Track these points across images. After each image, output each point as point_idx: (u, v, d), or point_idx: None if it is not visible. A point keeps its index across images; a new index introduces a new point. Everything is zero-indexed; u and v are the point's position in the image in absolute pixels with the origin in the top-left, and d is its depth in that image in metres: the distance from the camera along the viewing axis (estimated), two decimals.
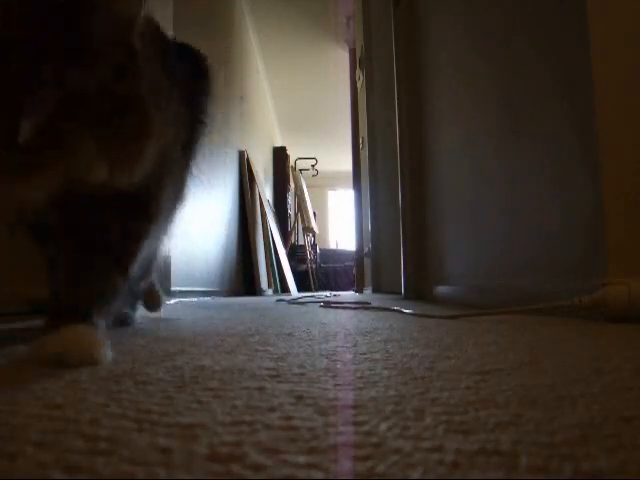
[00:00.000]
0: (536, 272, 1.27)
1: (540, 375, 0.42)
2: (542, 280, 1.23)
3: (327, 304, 1.76)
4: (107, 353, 0.48)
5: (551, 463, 0.22)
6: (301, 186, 6.86)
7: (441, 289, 2.04)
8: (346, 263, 6.87)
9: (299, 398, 0.34)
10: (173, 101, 0.54)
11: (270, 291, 4.51)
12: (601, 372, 0.43)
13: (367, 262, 4.16)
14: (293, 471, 0.21)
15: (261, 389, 0.38)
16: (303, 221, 6.56)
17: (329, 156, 8.39)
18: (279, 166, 6.97)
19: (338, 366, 0.48)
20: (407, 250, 2.49)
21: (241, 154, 4.54)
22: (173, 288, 2.18)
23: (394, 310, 1.33)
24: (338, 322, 1.03)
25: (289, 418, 0.29)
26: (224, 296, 3.43)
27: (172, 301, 2.13)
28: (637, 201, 0.99)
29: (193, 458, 0.23)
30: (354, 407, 0.32)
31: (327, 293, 4.02)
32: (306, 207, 6.70)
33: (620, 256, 0.98)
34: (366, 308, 1.51)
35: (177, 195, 0.71)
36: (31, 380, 0.40)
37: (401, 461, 0.22)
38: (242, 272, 4.23)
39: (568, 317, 1.03)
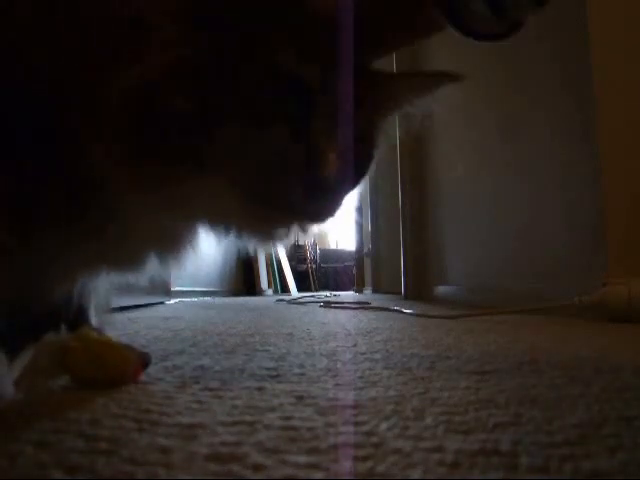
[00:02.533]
0: (536, 272, 1.27)
1: (540, 375, 0.42)
2: (542, 280, 1.23)
3: (327, 304, 1.76)
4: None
5: (551, 463, 0.22)
6: None
7: (441, 289, 2.04)
8: (346, 263, 6.87)
9: (299, 398, 0.34)
10: None
11: (270, 291, 4.50)
12: (601, 372, 0.43)
13: (367, 262, 4.16)
14: (293, 471, 0.21)
15: (261, 389, 0.38)
16: None
17: None
18: None
19: (338, 366, 0.48)
20: (407, 250, 2.49)
21: None
22: (173, 288, 2.18)
23: (394, 310, 1.33)
24: (338, 322, 1.03)
25: (289, 418, 0.29)
26: (224, 296, 3.43)
27: (172, 301, 2.13)
28: (637, 201, 0.99)
29: (193, 458, 0.23)
30: (354, 407, 0.32)
31: (327, 293, 4.02)
32: None
33: (620, 256, 0.98)
34: (366, 308, 1.51)
35: None
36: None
37: (401, 461, 0.22)
38: (242, 272, 4.22)
39: (568, 317, 1.04)
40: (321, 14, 0.34)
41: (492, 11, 0.41)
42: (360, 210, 4.59)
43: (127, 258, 0.39)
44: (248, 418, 0.29)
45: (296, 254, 6.39)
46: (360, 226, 4.62)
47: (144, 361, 0.42)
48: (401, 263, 2.51)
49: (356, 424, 0.28)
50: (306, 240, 6.68)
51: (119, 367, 0.39)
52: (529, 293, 1.23)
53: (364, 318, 1.12)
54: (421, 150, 2.42)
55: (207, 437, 0.26)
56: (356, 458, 0.23)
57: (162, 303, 1.96)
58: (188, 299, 2.49)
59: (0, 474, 0.21)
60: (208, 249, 0.45)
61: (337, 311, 1.45)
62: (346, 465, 0.22)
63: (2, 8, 0.33)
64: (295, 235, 0.42)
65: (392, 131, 0.46)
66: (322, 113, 0.34)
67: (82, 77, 0.33)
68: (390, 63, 2.67)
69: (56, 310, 0.43)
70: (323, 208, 0.37)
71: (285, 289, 4.83)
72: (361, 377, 0.42)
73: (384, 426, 0.28)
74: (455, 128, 1.96)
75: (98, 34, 0.33)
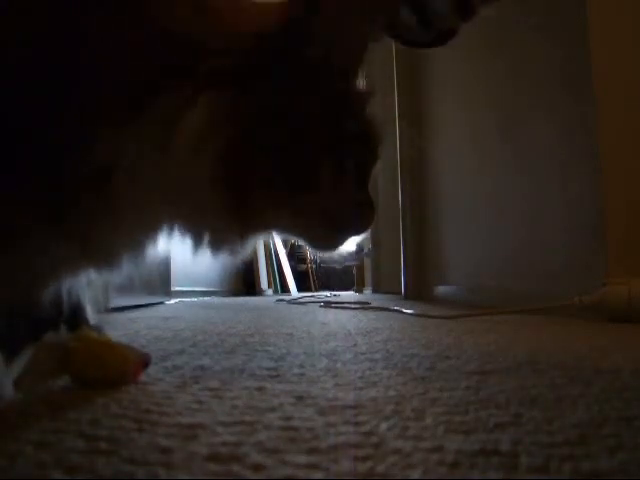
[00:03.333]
0: (536, 272, 1.27)
1: (540, 375, 0.42)
2: (542, 280, 1.23)
3: (327, 304, 1.76)
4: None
5: (551, 463, 0.22)
6: None
7: (441, 289, 2.04)
8: (346, 263, 6.87)
9: (299, 398, 0.34)
10: None
11: (270, 291, 4.50)
12: (601, 372, 0.43)
13: (367, 262, 4.16)
14: (293, 471, 0.21)
15: (261, 389, 0.38)
16: None
17: None
18: None
19: (338, 366, 0.48)
20: (407, 250, 2.49)
21: None
22: (173, 288, 2.18)
23: (394, 310, 1.33)
24: (338, 322, 1.03)
25: (289, 418, 0.29)
26: (224, 296, 3.43)
27: (172, 301, 2.13)
28: (637, 201, 0.99)
29: (193, 458, 0.23)
30: (354, 407, 0.32)
31: (327, 293, 4.01)
32: None
33: (620, 256, 0.98)
34: (366, 308, 1.50)
35: None
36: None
37: (401, 461, 0.22)
38: (242, 272, 4.23)
39: (568, 317, 1.03)
40: None
41: (420, 25, 0.49)
42: None
43: (105, 259, 0.39)
44: (248, 418, 0.29)
45: (296, 254, 6.39)
46: None
47: (144, 361, 0.41)
48: (401, 263, 2.51)
49: (356, 424, 0.28)
50: None
51: (119, 367, 0.39)
52: (529, 293, 1.23)
53: (364, 318, 1.12)
54: (421, 150, 2.42)
55: (207, 437, 0.26)
56: (356, 458, 0.23)
57: (162, 303, 1.96)
58: (188, 299, 2.49)
59: (0, 474, 0.21)
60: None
61: (337, 311, 1.45)
62: (346, 465, 0.22)
63: None
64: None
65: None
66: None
67: None
68: (390, 62, 2.67)
69: (55, 310, 0.43)
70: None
71: (285, 289, 4.83)
72: (361, 377, 0.42)
73: (384, 426, 0.28)
74: (455, 128, 1.95)
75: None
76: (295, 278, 5.36)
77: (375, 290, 3.69)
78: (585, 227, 1.07)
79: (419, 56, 2.44)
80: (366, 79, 0.42)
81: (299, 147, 0.37)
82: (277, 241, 4.94)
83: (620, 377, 0.41)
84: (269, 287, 4.51)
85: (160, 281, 1.95)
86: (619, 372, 0.43)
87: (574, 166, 1.11)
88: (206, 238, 0.39)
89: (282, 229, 0.42)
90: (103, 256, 0.38)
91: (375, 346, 0.62)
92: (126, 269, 0.39)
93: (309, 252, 6.48)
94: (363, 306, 1.55)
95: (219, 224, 0.38)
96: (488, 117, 1.59)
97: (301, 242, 0.44)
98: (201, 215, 0.38)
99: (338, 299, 2.38)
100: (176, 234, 0.39)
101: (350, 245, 0.48)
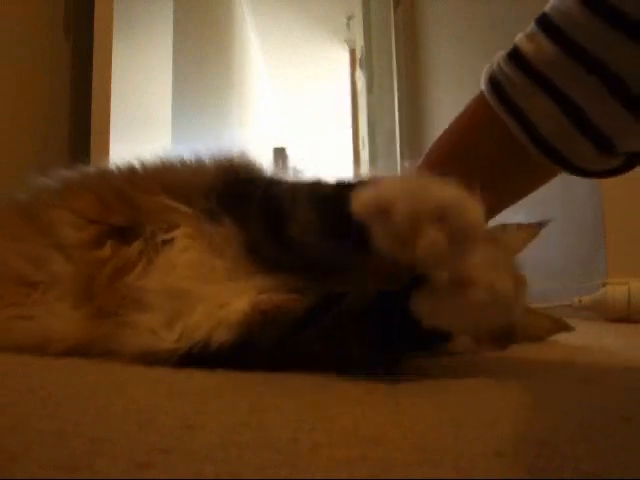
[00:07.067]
0: (536, 272, 1.27)
1: (540, 375, 0.42)
2: (542, 280, 1.23)
3: None
4: None
5: (551, 463, 0.22)
6: None
7: None
8: None
9: (299, 398, 0.34)
10: None
11: None
12: (601, 372, 0.43)
13: None
14: (293, 471, 0.21)
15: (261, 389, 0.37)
16: None
17: (329, 156, 8.39)
18: (279, 167, 6.96)
19: None
20: None
21: None
22: None
23: None
24: None
25: (289, 418, 0.29)
26: None
27: None
28: (637, 201, 0.99)
29: (193, 458, 0.23)
30: (352, 405, 0.32)
31: None
32: None
33: (620, 256, 0.98)
34: None
35: None
36: (33, 374, 0.40)
37: (401, 461, 0.22)
38: None
39: (568, 317, 1.03)
40: None
41: (598, 151, 0.42)
42: None
43: None
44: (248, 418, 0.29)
45: None
46: None
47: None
48: None
49: (356, 424, 0.28)
50: None
51: None
52: (529, 293, 1.23)
53: None
54: (421, 149, 2.42)
55: (207, 437, 0.26)
56: (355, 458, 0.23)
57: None
58: None
59: (0, 474, 0.21)
60: None
61: None
62: (345, 465, 0.22)
63: None
64: None
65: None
66: None
67: None
68: (390, 64, 2.67)
69: None
70: None
71: None
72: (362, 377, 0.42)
73: (382, 425, 0.28)
74: None
75: None
76: None
77: None
78: (585, 227, 1.07)
79: (420, 56, 2.44)
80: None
81: None
82: None
83: (620, 377, 0.41)
84: None
85: None
86: (619, 372, 0.43)
87: None
88: None
89: None
90: None
91: None
92: None
93: None
94: None
95: None
96: None
97: None
98: None
99: None
100: None
101: None
